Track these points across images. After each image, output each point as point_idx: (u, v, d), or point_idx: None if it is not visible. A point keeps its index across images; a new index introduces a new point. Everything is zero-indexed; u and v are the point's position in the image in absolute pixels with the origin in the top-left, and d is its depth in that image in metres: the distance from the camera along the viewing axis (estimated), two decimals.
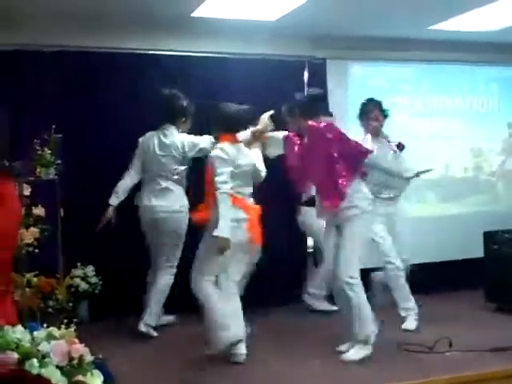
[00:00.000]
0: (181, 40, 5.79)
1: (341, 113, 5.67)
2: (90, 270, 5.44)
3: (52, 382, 1.66)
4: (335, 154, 4.24)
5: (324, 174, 4.30)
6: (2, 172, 2.21)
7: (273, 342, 4.74)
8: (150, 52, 5.79)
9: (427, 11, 5.54)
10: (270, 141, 4.69)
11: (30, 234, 4.60)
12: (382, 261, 5.16)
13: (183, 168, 5.12)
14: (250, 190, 4.50)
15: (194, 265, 4.46)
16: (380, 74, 6.62)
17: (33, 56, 5.43)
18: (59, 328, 1.81)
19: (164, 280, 5.04)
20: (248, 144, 4.61)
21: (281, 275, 5.94)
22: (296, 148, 4.45)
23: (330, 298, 5.28)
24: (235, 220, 4.27)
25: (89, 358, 1.77)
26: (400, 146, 5.26)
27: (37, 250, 4.63)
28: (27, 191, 4.65)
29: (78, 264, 5.41)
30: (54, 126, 4.80)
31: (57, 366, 1.70)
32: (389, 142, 5.28)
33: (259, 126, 4.64)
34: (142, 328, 4.92)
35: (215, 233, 4.17)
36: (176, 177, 5.08)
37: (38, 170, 4.77)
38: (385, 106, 5.30)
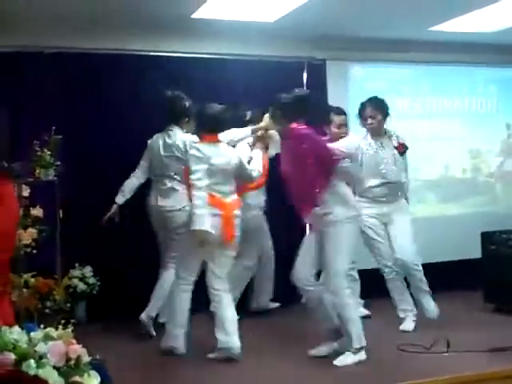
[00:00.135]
0: (181, 41, 5.80)
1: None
2: (88, 270, 5.44)
3: (49, 382, 1.66)
4: (310, 160, 4.21)
5: (298, 179, 4.28)
6: (2, 173, 2.21)
7: (277, 344, 4.73)
8: (151, 53, 5.80)
9: (427, 12, 5.55)
10: (269, 140, 4.74)
11: (28, 235, 4.60)
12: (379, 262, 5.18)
13: None
14: (230, 187, 4.54)
15: None
16: (380, 75, 6.63)
17: (33, 57, 5.44)
18: (56, 329, 1.81)
19: (168, 275, 5.02)
20: (252, 145, 4.65)
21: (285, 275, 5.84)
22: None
23: None
24: (209, 216, 4.35)
25: (86, 358, 1.77)
26: (399, 148, 5.14)
27: (35, 251, 4.63)
28: (26, 192, 4.65)
29: (76, 265, 5.42)
30: (53, 128, 4.81)
31: (54, 367, 1.70)
32: (397, 139, 5.15)
33: (262, 124, 4.78)
34: (143, 316, 4.98)
35: (192, 227, 4.27)
36: (180, 177, 5.10)
37: (38, 171, 4.77)
38: None
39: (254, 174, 4.65)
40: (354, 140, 5.01)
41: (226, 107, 4.63)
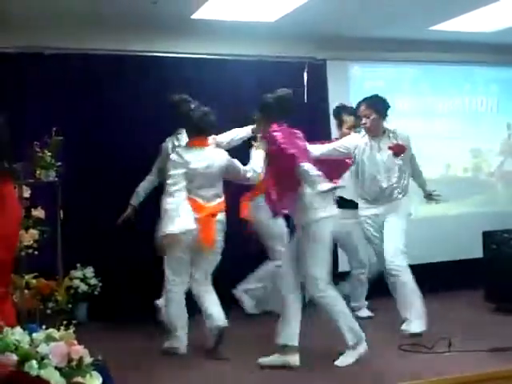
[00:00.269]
0: (181, 42, 5.80)
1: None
2: (89, 271, 5.44)
3: (51, 383, 1.67)
4: (276, 162, 4.22)
5: (268, 180, 4.31)
6: (3, 173, 2.21)
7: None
8: (151, 54, 5.80)
9: (427, 12, 5.55)
10: None
11: (29, 236, 4.60)
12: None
13: None
14: (215, 191, 4.56)
15: None
16: (380, 75, 6.63)
17: (34, 58, 5.44)
18: (58, 329, 1.81)
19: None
20: (257, 146, 4.67)
21: None
22: None
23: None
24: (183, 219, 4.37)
25: (88, 359, 1.78)
26: (393, 149, 4.89)
27: (36, 252, 4.63)
28: (27, 193, 4.65)
29: (78, 265, 5.42)
30: (54, 129, 4.81)
31: (56, 368, 1.70)
32: (396, 139, 4.93)
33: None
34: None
35: (162, 232, 4.32)
36: None
37: (38, 172, 4.78)
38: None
39: (249, 174, 4.60)
40: (353, 139, 5.02)
41: (210, 110, 4.63)
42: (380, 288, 5.26)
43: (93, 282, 5.42)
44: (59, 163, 4.84)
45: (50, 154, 4.78)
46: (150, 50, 5.77)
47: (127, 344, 4.81)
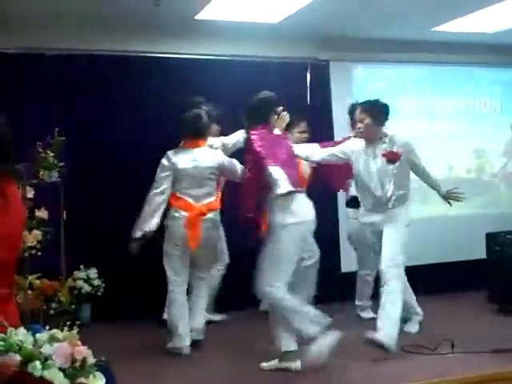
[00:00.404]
0: (184, 42, 5.81)
1: (344, 115, 5.65)
2: (92, 272, 5.45)
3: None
4: (250, 169, 4.23)
5: (246, 185, 4.32)
6: (7, 174, 2.21)
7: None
8: (154, 55, 5.81)
9: (430, 13, 5.54)
10: None
11: (32, 237, 4.61)
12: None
13: None
14: (206, 190, 4.59)
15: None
16: (383, 76, 6.64)
17: (35, 59, 5.45)
18: (62, 330, 1.81)
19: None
20: None
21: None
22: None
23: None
24: (171, 218, 4.53)
25: (91, 360, 1.77)
26: (387, 156, 4.66)
27: (39, 253, 4.64)
28: (30, 194, 4.66)
29: (81, 266, 5.42)
30: (56, 129, 4.82)
31: (59, 368, 1.70)
32: (392, 146, 4.69)
33: None
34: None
35: (134, 234, 4.46)
36: None
37: (41, 172, 4.79)
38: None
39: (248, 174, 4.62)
40: (351, 144, 4.91)
41: (202, 112, 4.64)
42: None
43: (96, 282, 5.43)
44: (62, 164, 4.85)
45: (52, 154, 4.79)
46: (152, 50, 5.78)
47: (130, 344, 4.82)
